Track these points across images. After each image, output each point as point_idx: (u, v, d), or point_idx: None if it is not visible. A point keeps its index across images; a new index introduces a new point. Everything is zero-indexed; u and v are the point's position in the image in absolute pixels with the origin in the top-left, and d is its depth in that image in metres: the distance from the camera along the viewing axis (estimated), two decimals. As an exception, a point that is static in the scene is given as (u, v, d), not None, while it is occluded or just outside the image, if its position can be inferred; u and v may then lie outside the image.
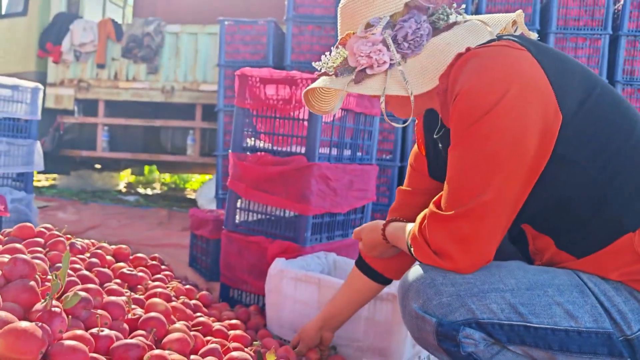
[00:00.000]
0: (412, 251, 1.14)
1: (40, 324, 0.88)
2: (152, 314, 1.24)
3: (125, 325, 1.19)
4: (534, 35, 1.16)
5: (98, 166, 6.79)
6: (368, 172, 2.42)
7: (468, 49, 1.06)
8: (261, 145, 2.23)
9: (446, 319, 1.05)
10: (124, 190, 7.17)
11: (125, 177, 8.14)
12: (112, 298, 1.22)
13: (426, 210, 1.13)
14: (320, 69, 1.21)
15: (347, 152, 2.33)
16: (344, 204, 2.26)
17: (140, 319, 1.23)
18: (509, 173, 1.01)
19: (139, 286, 1.68)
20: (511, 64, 1.01)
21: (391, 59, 1.12)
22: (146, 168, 7.76)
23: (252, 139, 2.25)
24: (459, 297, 1.05)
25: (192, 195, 7.13)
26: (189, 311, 1.59)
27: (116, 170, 7.13)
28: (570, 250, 1.08)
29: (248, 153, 2.22)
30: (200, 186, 6.47)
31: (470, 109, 1.02)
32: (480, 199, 1.02)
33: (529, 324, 1.02)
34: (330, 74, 1.18)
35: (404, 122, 3.44)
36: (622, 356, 1.00)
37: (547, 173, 1.04)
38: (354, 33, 1.15)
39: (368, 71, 1.13)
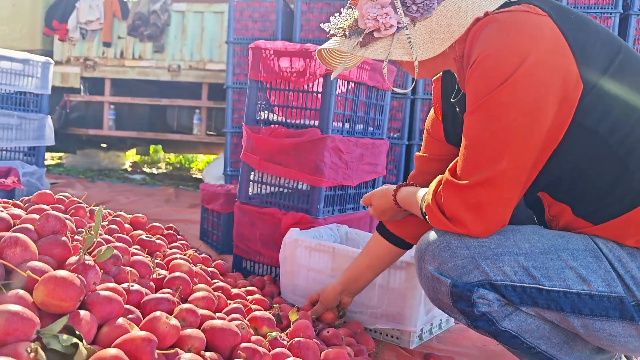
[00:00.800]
0: (427, 217, 1.16)
1: (76, 274, 0.90)
2: (177, 273, 1.28)
3: (152, 284, 1.22)
4: None
5: (104, 145, 6.81)
6: (379, 147, 2.44)
7: (486, 14, 1.04)
8: (274, 118, 2.25)
9: (460, 280, 1.08)
10: (129, 169, 7.19)
11: (130, 157, 8.16)
12: (139, 257, 1.25)
13: (440, 177, 1.14)
14: (329, 30, 1.19)
15: (359, 127, 2.34)
16: (355, 177, 2.28)
17: (166, 278, 1.26)
18: (527, 142, 1.01)
19: (157, 253, 1.71)
20: (531, 31, 0.99)
21: (399, 23, 1.10)
22: (151, 148, 7.78)
23: (266, 112, 2.27)
24: (473, 260, 1.07)
25: (198, 175, 7.16)
26: (207, 277, 1.62)
27: (122, 150, 7.15)
28: (587, 217, 1.09)
29: (262, 126, 2.23)
30: (206, 165, 6.50)
31: (488, 76, 1.00)
32: (496, 167, 1.02)
33: (541, 287, 1.05)
34: (340, 35, 1.17)
35: (408, 88, 3.48)
36: (633, 320, 1.02)
37: (566, 142, 1.04)
38: None
39: (375, 34, 1.12)
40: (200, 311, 1.07)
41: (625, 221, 1.04)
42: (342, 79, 2.13)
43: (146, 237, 1.72)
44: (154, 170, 7.41)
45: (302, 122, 2.17)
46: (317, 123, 2.13)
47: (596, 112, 1.02)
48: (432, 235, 1.16)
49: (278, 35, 3.95)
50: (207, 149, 6.90)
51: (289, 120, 2.20)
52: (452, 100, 1.30)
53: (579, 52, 1.00)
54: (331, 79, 1.79)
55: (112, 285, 1.00)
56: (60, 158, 7.21)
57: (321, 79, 2.10)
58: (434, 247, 1.13)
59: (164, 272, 1.34)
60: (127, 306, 0.97)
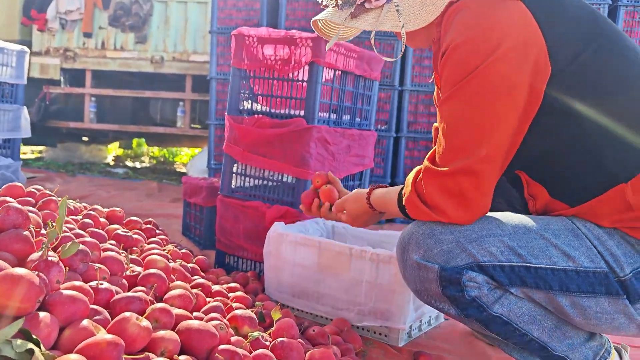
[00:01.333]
0: (407, 209, 1.14)
1: (37, 272, 0.82)
2: (152, 270, 1.19)
3: (124, 281, 1.14)
4: None
5: (85, 138, 6.65)
6: (366, 138, 2.37)
7: None
8: (258, 108, 2.17)
9: (448, 265, 1.06)
10: (112, 163, 7.05)
11: (113, 151, 8.01)
12: (111, 253, 1.16)
13: (418, 167, 1.14)
14: (322, 1, 1.20)
15: (345, 117, 2.27)
16: (342, 169, 2.21)
17: (140, 275, 1.18)
18: (502, 127, 1.04)
19: (134, 248, 1.63)
20: (500, 18, 1.00)
21: None
22: (134, 141, 7.63)
23: (249, 101, 2.19)
24: (458, 244, 1.06)
25: (182, 169, 7.04)
26: (187, 273, 1.55)
27: (104, 143, 7.00)
28: (563, 199, 1.10)
29: (245, 116, 2.15)
30: (191, 159, 6.38)
31: (460, 64, 1.02)
32: (476, 153, 1.03)
33: (529, 264, 1.04)
34: (333, 6, 1.18)
35: (397, 55, 3.47)
36: (618, 294, 1.03)
37: (537, 125, 1.06)
38: None
39: (366, 5, 1.12)
40: (176, 311, 1.00)
41: (599, 203, 1.05)
42: (329, 67, 2.06)
43: (122, 231, 1.63)
44: (137, 164, 7.27)
45: (287, 112, 2.10)
46: (302, 113, 2.05)
47: (569, 94, 1.03)
48: (413, 226, 1.15)
49: (263, 24, 3.85)
50: (192, 142, 6.78)
51: (273, 110, 2.12)
52: None
53: (550, 35, 1.02)
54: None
55: (78, 283, 0.91)
56: (40, 152, 7.04)
57: (306, 67, 2.02)
58: (417, 235, 1.11)
59: (139, 268, 1.26)
60: (94, 306, 0.89)
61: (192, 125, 5.86)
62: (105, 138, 6.67)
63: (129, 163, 7.26)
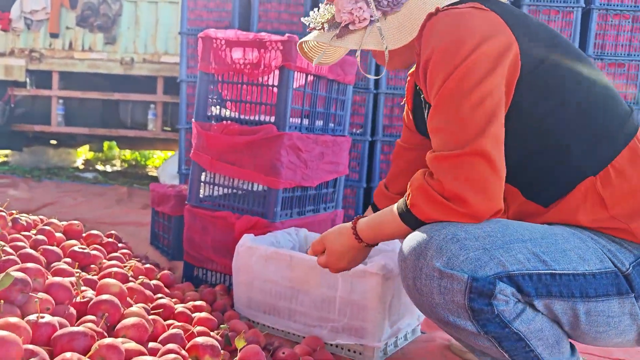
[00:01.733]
0: (416, 210, 1.08)
1: (-39, 311, 0.72)
2: (104, 296, 1.09)
3: (73, 310, 1.04)
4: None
5: (53, 142, 6.45)
6: (340, 144, 2.30)
7: (437, 9, 1.10)
8: (227, 114, 2.08)
9: (477, 274, 0.98)
10: (81, 167, 6.85)
11: (83, 154, 7.79)
12: (57, 279, 1.06)
13: (420, 172, 1.11)
14: (309, 24, 1.30)
15: (318, 123, 2.19)
16: (315, 177, 2.13)
17: (90, 302, 1.08)
18: (498, 114, 1.04)
19: (92, 266, 1.52)
20: (475, 25, 1.05)
21: (371, 16, 1.20)
22: (105, 144, 7.43)
23: (218, 107, 2.09)
24: (486, 251, 1.00)
25: (154, 173, 6.88)
26: (148, 292, 1.45)
27: (73, 147, 6.80)
28: (536, 199, 1.12)
29: (213, 122, 2.06)
30: (162, 162, 6.23)
31: (439, 69, 1.06)
32: (483, 135, 1.02)
33: (554, 272, 1.01)
34: (319, 28, 1.28)
35: (377, 74, 3.46)
36: (628, 292, 1.03)
37: (508, 125, 1.07)
38: None
39: (350, 27, 1.21)
40: (127, 345, 0.90)
41: (572, 200, 1.08)
42: (300, 72, 1.98)
43: (79, 248, 1.53)
44: (108, 168, 7.09)
45: (257, 118, 2.01)
46: (273, 119, 1.96)
47: (534, 96, 1.07)
48: (427, 230, 1.06)
49: (235, 26, 3.74)
50: (165, 145, 6.63)
51: (242, 116, 2.03)
52: (417, 88, 1.34)
53: (521, 39, 1.07)
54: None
55: (13, 320, 0.81)
56: (5, 156, 6.80)
57: (277, 72, 1.93)
58: (439, 240, 1.02)
59: (91, 293, 1.16)
60: (30, 347, 0.79)
61: (165, 128, 5.72)
62: (73, 142, 6.48)
63: (99, 167, 7.07)
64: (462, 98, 1.04)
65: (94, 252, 1.58)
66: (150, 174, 6.81)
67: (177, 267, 2.37)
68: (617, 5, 3.55)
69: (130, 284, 1.38)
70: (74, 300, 1.09)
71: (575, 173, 1.08)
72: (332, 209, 2.36)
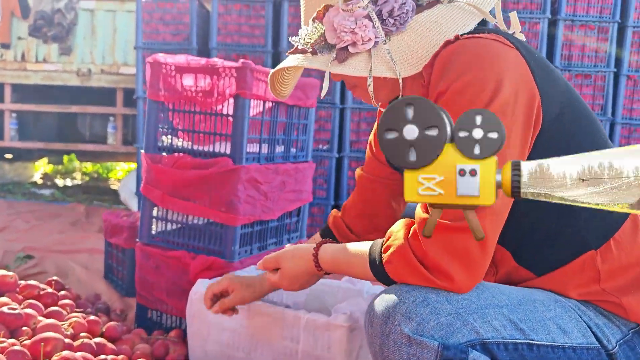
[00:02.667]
0: (390, 269, 0.96)
1: None
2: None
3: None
4: (521, 36, 1.08)
5: (9, 156, 6.15)
6: (303, 171, 2.17)
7: (457, 37, 0.98)
8: (180, 144, 1.93)
9: (448, 341, 0.89)
10: (39, 182, 6.55)
11: (41, 167, 7.48)
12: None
13: (406, 220, 0.99)
14: (296, 45, 1.09)
15: (279, 149, 2.06)
16: (276, 209, 2.00)
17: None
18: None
19: (24, 328, 1.36)
20: (501, 61, 0.94)
21: (376, 37, 1.02)
22: (65, 157, 7.14)
23: (169, 137, 1.94)
24: (459, 316, 0.91)
25: (117, 186, 6.63)
26: (89, 356, 1.30)
27: (30, 160, 6.50)
28: (530, 266, 1.04)
29: (164, 154, 1.91)
30: (124, 177, 6.00)
31: (463, 106, 0.93)
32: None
33: (532, 342, 0.94)
34: (308, 50, 1.06)
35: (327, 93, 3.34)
36: None
37: None
38: (331, 6, 1.04)
39: (350, 49, 1.03)
40: None
41: (568, 272, 1.00)
42: (257, 99, 1.84)
43: (8, 309, 1.36)
44: (68, 182, 6.80)
45: (211, 148, 1.87)
46: (229, 149, 1.83)
47: (547, 151, 0.94)
48: (395, 291, 0.96)
49: (193, 40, 3.59)
50: (127, 157, 6.39)
51: (196, 147, 1.89)
52: None
53: (542, 88, 0.97)
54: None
55: None
56: (-43, 172, 6.46)
57: (232, 100, 1.80)
58: (408, 303, 0.92)
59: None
60: None
61: (125, 142, 5.50)
62: (30, 156, 6.20)
63: (58, 181, 6.78)
64: None
65: (28, 310, 1.42)
66: (112, 187, 6.57)
67: (132, 305, 2.21)
68: (583, 16, 3.53)
69: (65, 353, 1.23)
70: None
71: (576, 244, 1.00)
72: (297, 239, 2.23)
